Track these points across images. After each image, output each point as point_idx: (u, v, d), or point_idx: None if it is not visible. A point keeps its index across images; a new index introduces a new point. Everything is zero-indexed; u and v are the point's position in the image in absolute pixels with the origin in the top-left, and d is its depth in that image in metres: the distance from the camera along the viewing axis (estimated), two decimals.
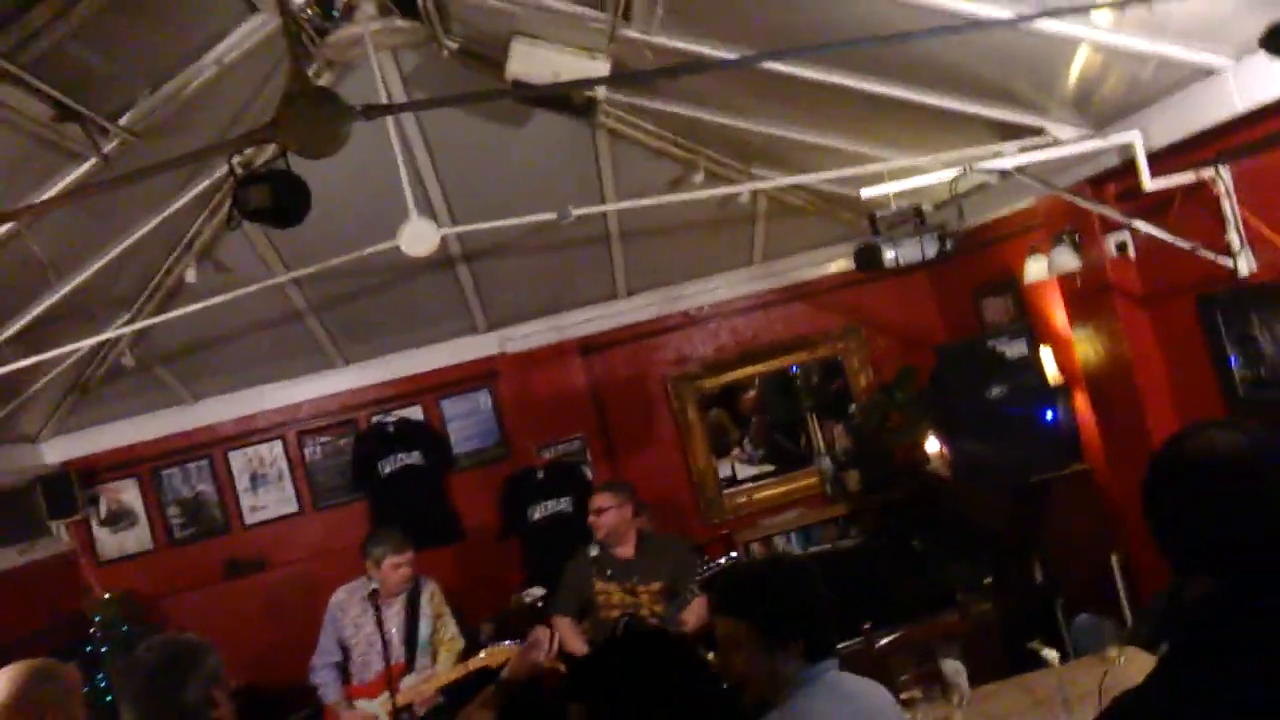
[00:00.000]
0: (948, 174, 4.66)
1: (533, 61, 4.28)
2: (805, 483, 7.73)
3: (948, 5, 3.56)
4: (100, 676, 6.14)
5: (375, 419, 7.34)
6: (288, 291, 6.28)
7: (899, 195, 4.75)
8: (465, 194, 5.87)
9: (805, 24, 4.23)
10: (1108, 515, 5.61)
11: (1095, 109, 4.43)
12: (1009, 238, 6.04)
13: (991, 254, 6.31)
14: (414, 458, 7.25)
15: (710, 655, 3.20)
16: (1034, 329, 5.90)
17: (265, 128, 3.31)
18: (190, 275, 5.80)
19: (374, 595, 5.23)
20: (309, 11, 4.17)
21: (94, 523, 7.23)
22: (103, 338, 5.66)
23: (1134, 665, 3.86)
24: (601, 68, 4.32)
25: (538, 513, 7.09)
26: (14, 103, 3.59)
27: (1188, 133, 4.12)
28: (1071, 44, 3.89)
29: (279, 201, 4.01)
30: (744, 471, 8.04)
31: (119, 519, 7.29)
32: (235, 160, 3.97)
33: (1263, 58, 3.35)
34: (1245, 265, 4.19)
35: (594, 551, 5.27)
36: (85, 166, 4.21)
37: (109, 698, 6.07)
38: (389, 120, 4.50)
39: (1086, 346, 5.45)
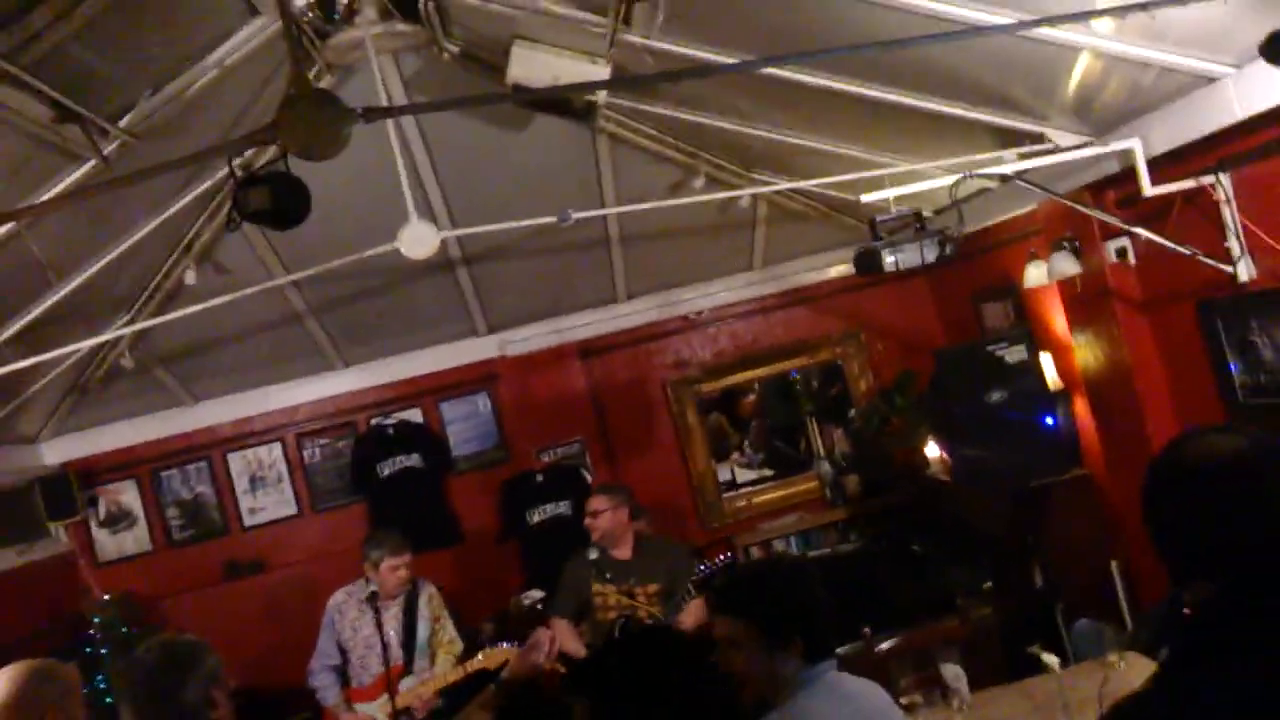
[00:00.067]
0: (948, 179, 4.67)
1: (533, 66, 4.28)
2: (805, 487, 7.73)
3: (948, 11, 3.57)
4: (99, 677, 6.14)
5: (374, 421, 7.34)
6: (287, 294, 6.28)
7: (899, 200, 4.75)
8: (465, 197, 5.87)
9: (806, 29, 4.23)
10: (1108, 520, 5.61)
11: (1096, 115, 4.44)
12: (1009, 243, 6.04)
13: (991, 259, 6.31)
14: (413, 460, 7.25)
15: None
16: (1034, 334, 5.90)
17: (265, 129, 3.30)
18: (190, 277, 5.79)
19: (373, 598, 5.23)
20: (310, 14, 4.17)
21: (93, 524, 7.23)
22: (102, 339, 5.66)
23: (1134, 670, 3.86)
24: (602, 72, 4.33)
25: (537, 516, 7.09)
26: (14, 104, 3.58)
27: (1188, 139, 4.13)
28: (1072, 51, 3.90)
29: (279, 203, 4.00)
30: (743, 475, 8.03)
31: (118, 520, 7.29)
32: (235, 162, 3.97)
33: (1263, 66, 3.36)
34: (1245, 271, 4.20)
35: (593, 554, 5.28)
36: (85, 168, 4.20)
37: (108, 699, 6.07)
38: (389, 123, 4.50)
39: (1086, 352, 5.45)
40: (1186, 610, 1.67)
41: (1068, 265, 5.16)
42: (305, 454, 7.41)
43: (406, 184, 4.40)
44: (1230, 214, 4.20)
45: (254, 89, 4.61)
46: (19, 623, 5.75)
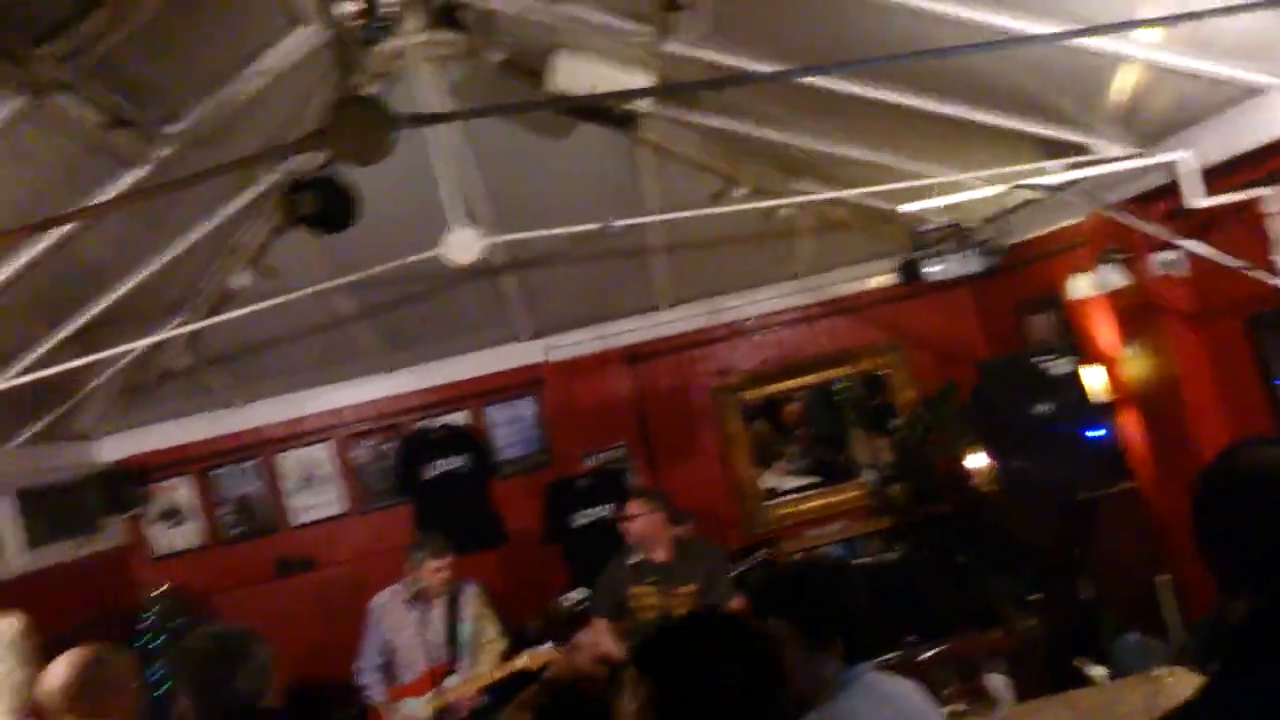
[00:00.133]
0: (992, 190, 4.64)
1: (575, 74, 4.33)
2: (848, 496, 7.69)
3: (990, 21, 3.56)
4: (152, 669, 6.25)
5: (420, 424, 7.43)
6: (335, 297, 6.37)
7: (942, 211, 4.74)
8: (508, 204, 5.93)
9: (848, 39, 4.23)
10: (1155, 534, 5.53)
11: (1142, 126, 4.39)
12: (1053, 255, 5.96)
13: (1036, 271, 6.23)
14: (457, 463, 7.30)
15: None
16: (1079, 346, 5.83)
17: (313, 135, 3.39)
18: (240, 280, 5.91)
19: (420, 595, 5.30)
20: (356, 23, 4.25)
21: (147, 520, 7.39)
22: (156, 339, 5.79)
23: (1183, 684, 3.80)
24: (642, 80, 4.36)
25: (580, 519, 7.11)
26: (69, 109, 3.69)
27: (1236, 151, 4.07)
28: (1118, 61, 3.87)
29: (328, 208, 4.11)
30: (787, 483, 8.00)
31: (172, 516, 7.45)
32: (284, 167, 4.07)
33: None
34: None
35: (635, 557, 5.34)
36: (138, 172, 4.32)
37: (160, 690, 6.20)
38: (434, 129, 4.57)
39: (1134, 365, 5.38)
40: (1236, 620, 1.66)
41: (1115, 278, 5.10)
42: (354, 455, 7.52)
43: (450, 190, 4.47)
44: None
45: (302, 96, 4.71)
46: (76, 614, 5.89)
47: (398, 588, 5.55)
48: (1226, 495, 1.71)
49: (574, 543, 7.08)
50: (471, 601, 5.61)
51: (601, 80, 4.31)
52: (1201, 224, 4.46)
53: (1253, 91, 3.79)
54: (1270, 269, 4.16)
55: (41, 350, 5.26)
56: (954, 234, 4.81)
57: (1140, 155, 4.40)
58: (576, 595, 6.61)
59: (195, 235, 5.36)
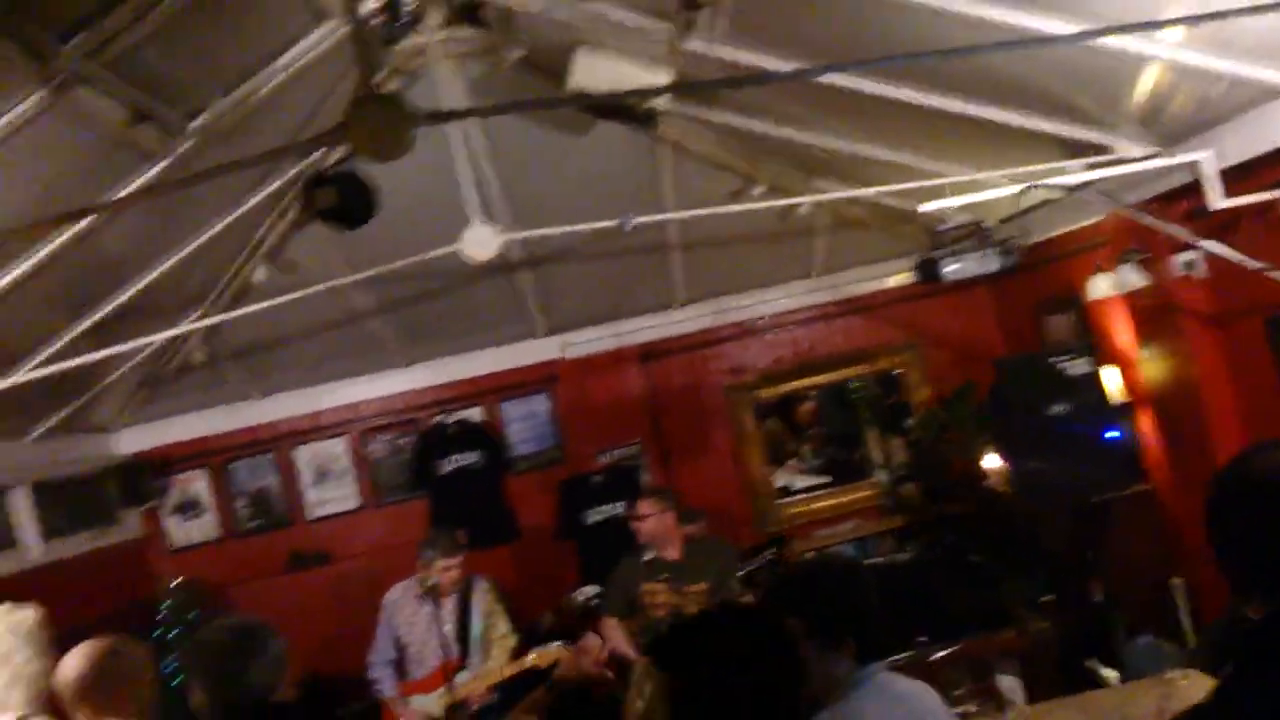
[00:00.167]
0: (1011, 189, 4.62)
1: (595, 72, 4.33)
2: (861, 495, 7.69)
3: (1011, 20, 3.55)
4: (168, 660, 6.29)
5: (436, 419, 7.45)
6: (352, 293, 6.39)
7: (961, 210, 4.72)
8: (526, 201, 5.94)
9: (868, 38, 4.22)
10: (1170, 536, 5.51)
11: (1164, 126, 4.37)
12: (1073, 255, 5.94)
13: (1054, 271, 6.21)
14: (472, 459, 7.33)
15: None
16: (1098, 347, 5.81)
17: (334, 131, 3.39)
18: (259, 274, 5.94)
19: (433, 590, 5.32)
20: (377, 20, 4.27)
21: (164, 512, 7.43)
22: (175, 333, 5.82)
23: (1196, 688, 3.80)
24: (662, 78, 4.36)
25: (593, 516, 7.12)
26: (92, 103, 3.71)
27: (1259, 152, 4.05)
28: (1139, 60, 3.85)
29: (346, 203, 4.13)
30: (799, 482, 8.00)
31: (188, 509, 7.49)
32: (304, 163, 4.08)
33: None
34: None
35: (647, 555, 5.37)
36: (159, 167, 4.34)
37: (176, 681, 6.23)
38: (453, 126, 4.58)
39: (1152, 366, 5.36)
40: (1248, 623, 1.65)
41: (1134, 278, 5.08)
42: (369, 449, 7.55)
43: (469, 187, 4.48)
44: None
45: (322, 92, 4.72)
46: (92, 605, 5.91)
47: (410, 583, 5.57)
48: (1241, 498, 1.71)
49: (587, 539, 7.09)
50: (483, 597, 5.63)
51: (621, 78, 4.31)
52: (1221, 225, 4.43)
53: (1274, 92, 3.77)
54: None
55: (61, 343, 5.29)
56: (973, 233, 4.79)
57: (1161, 155, 4.39)
58: (589, 591, 6.63)
59: (215, 230, 5.38)
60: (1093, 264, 5.49)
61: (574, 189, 5.98)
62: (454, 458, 7.29)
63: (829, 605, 2.75)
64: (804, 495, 7.85)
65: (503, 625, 5.66)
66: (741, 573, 5.32)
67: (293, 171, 5.11)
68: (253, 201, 5.39)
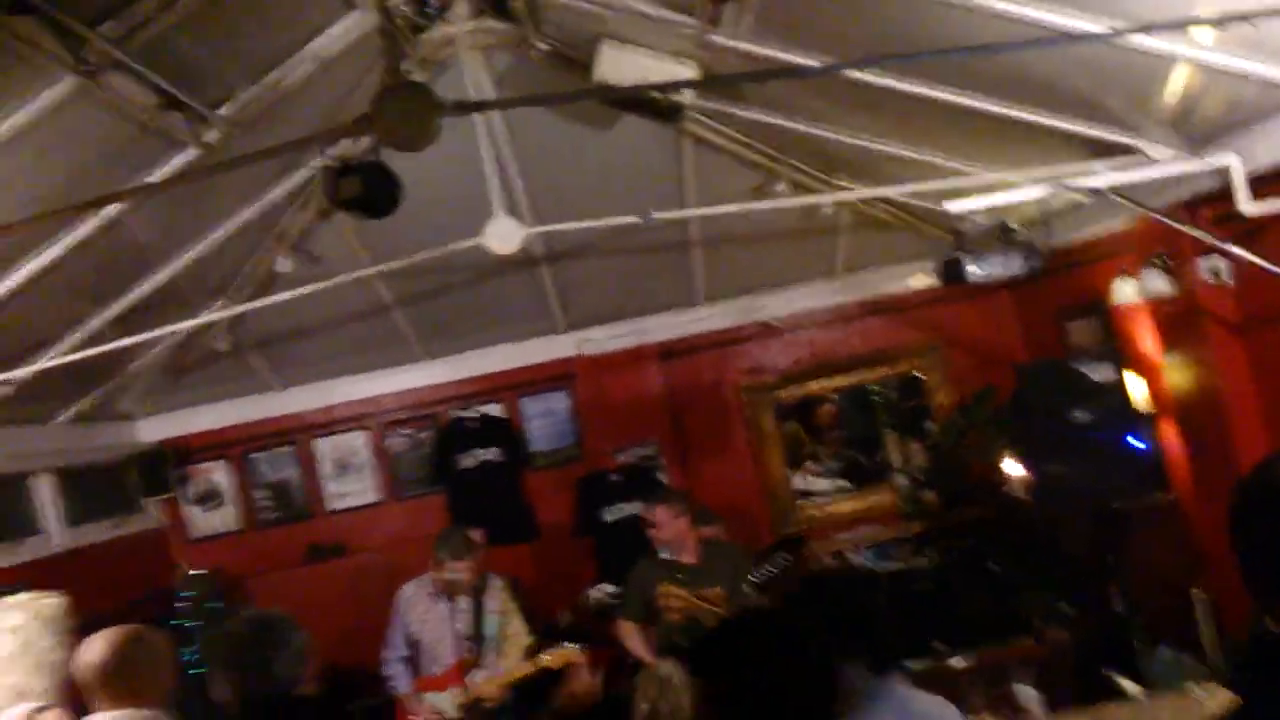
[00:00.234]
0: (1035, 190, 4.59)
1: (620, 65, 4.34)
2: (880, 499, 7.65)
3: (1039, 17, 3.53)
4: (187, 650, 6.33)
5: (455, 414, 7.46)
6: (375, 285, 6.43)
7: (985, 211, 4.70)
8: (549, 195, 5.95)
9: (894, 34, 4.21)
10: (1192, 547, 5.46)
11: (1193, 129, 4.33)
12: (1098, 259, 5.89)
13: (1078, 275, 6.15)
14: (491, 454, 7.34)
15: None
16: (1121, 353, 5.76)
17: (360, 120, 3.43)
18: (283, 265, 5.97)
19: (445, 588, 5.33)
20: (405, 9, 4.29)
21: (185, 501, 7.48)
22: (198, 322, 5.86)
23: (1215, 701, 3.77)
24: (688, 72, 4.36)
25: (610, 514, 7.12)
26: (121, 90, 3.74)
27: None
28: (1169, 61, 3.81)
29: (371, 192, 4.15)
30: (818, 484, 7.97)
31: (209, 499, 7.53)
32: (330, 152, 4.10)
33: None
34: None
35: (663, 556, 5.37)
36: (186, 154, 4.38)
37: (194, 670, 6.27)
38: (478, 118, 4.60)
39: (1176, 374, 5.31)
40: (1269, 636, 1.63)
41: (1159, 284, 5.04)
42: (389, 442, 7.57)
43: (492, 179, 4.49)
44: None
45: (349, 82, 4.75)
46: (112, 593, 5.95)
47: (424, 579, 5.59)
48: (1264, 507, 1.68)
49: (604, 537, 7.09)
50: (497, 595, 5.64)
51: (646, 72, 4.32)
52: (1249, 231, 4.39)
53: None
54: None
55: (87, 330, 5.34)
56: (997, 235, 4.77)
57: (1190, 158, 4.34)
58: (606, 589, 6.63)
59: (240, 220, 5.42)
60: (1117, 268, 5.44)
61: (596, 184, 5.98)
62: (475, 452, 7.31)
63: (842, 615, 2.74)
64: (822, 498, 7.82)
65: (517, 623, 5.67)
66: (754, 577, 5.30)
67: (318, 161, 5.13)
68: (277, 191, 5.44)
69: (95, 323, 5.37)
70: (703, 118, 5.70)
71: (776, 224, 6.56)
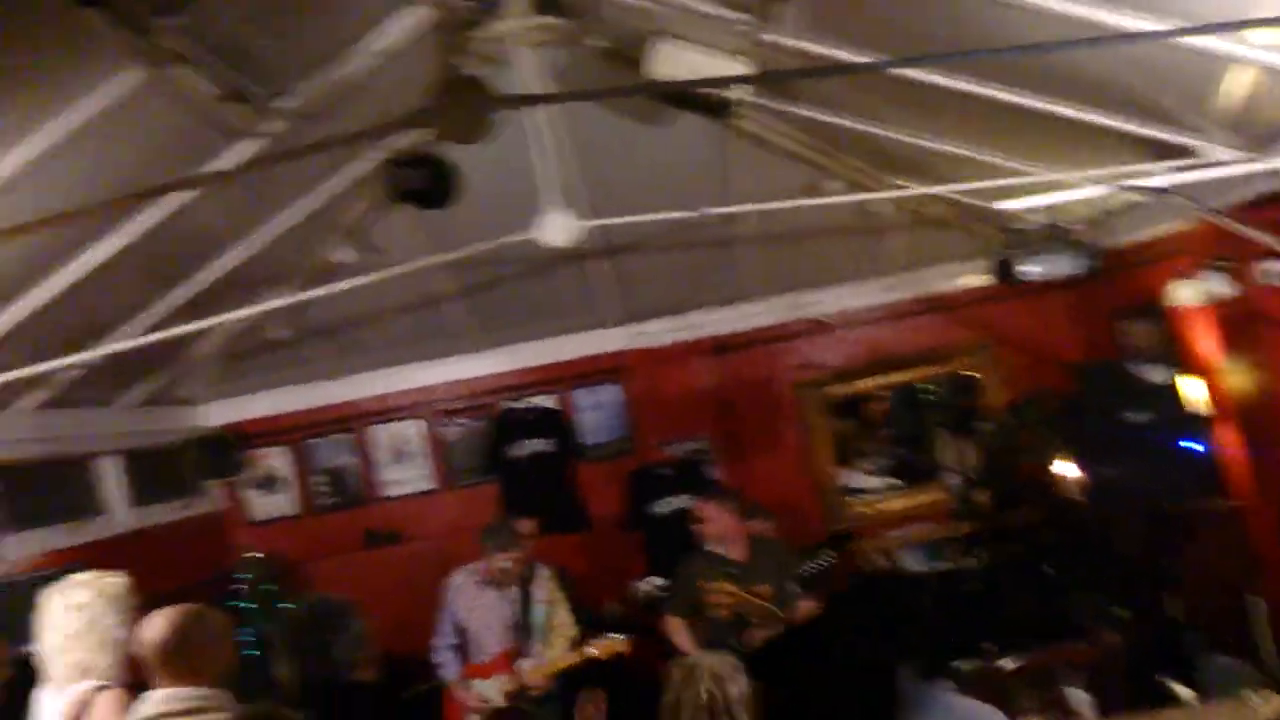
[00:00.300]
0: (1091, 190, 4.55)
1: (674, 61, 4.36)
2: (930, 498, 7.61)
3: (1096, 17, 3.49)
4: (244, 631, 6.46)
5: (509, 404, 7.55)
6: (433, 275, 6.51)
7: (1041, 210, 4.66)
8: (603, 189, 5.98)
9: (948, 32, 4.19)
10: (1250, 553, 5.37)
11: (1254, 129, 4.26)
12: (1155, 260, 5.80)
13: (1135, 276, 6.06)
14: (544, 445, 7.40)
15: None
16: (1179, 355, 5.67)
17: (418, 113, 3.49)
18: (343, 254, 6.08)
19: (499, 575, 5.39)
20: (463, 4, 4.36)
21: (245, 485, 7.64)
22: (262, 309, 5.98)
23: (1271, 708, 3.71)
24: (740, 69, 4.38)
25: (660, 508, 7.15)
26: (187, 81, 3.85)
27: None
28: (1229, 61, 3.76)
29: (430, 185, 4.23)
30: (868, 482, 7.94)
31: (269, 484, 7.69)
32: (388, 144, 4.18)
33: None
34: None
35: (712, 554, 5.39)
36: (249, 145, 4.49)
37: (250, 651, 6.40)
38: (532, 112, 4.65)
39: (1236, 377, 5.23)
40: None
41: (1219, 286, 4.97)
42: (444, 431, 7.67)
43: (547, 174, 4.55)
44: None
45: (406, 78, 4.82)
46: (173, 574, 6.09)
47: (473, 568, 5.66)
48: None
49: (654, 531, 7.13)
50: (545, 585, 5.69)
51: (699, 68, 4.34)
52: None
53: None
54: None
55: (152, 316, 5.49)
56: (1052, 234, 4.72)
57: (1253, 159, 4.27)
58: (655, 582, 6.67)
59: (301, 210, 5.53)
60: (1175, 270, 5.36)
61: (650, 179, 6.01)
62: (527, 442, 7.38)
63: (889, 619, 2.74)
64: (872, 496, 7.79)
65: (563, 614, 5.71)
66: (800, 573, 5.31)
67: (378, 154, 5.22)
68: (338, 182, 5.54)
69: (160, 308, 5.51)
70: (756, 115, 5.71)
71: (829, 221, 6.56)
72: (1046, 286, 6.06)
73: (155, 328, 5.34)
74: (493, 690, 5.49)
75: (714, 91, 4.60)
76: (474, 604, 5.62)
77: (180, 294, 5.55)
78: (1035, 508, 6.89)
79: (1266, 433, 5.05)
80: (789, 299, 7.40)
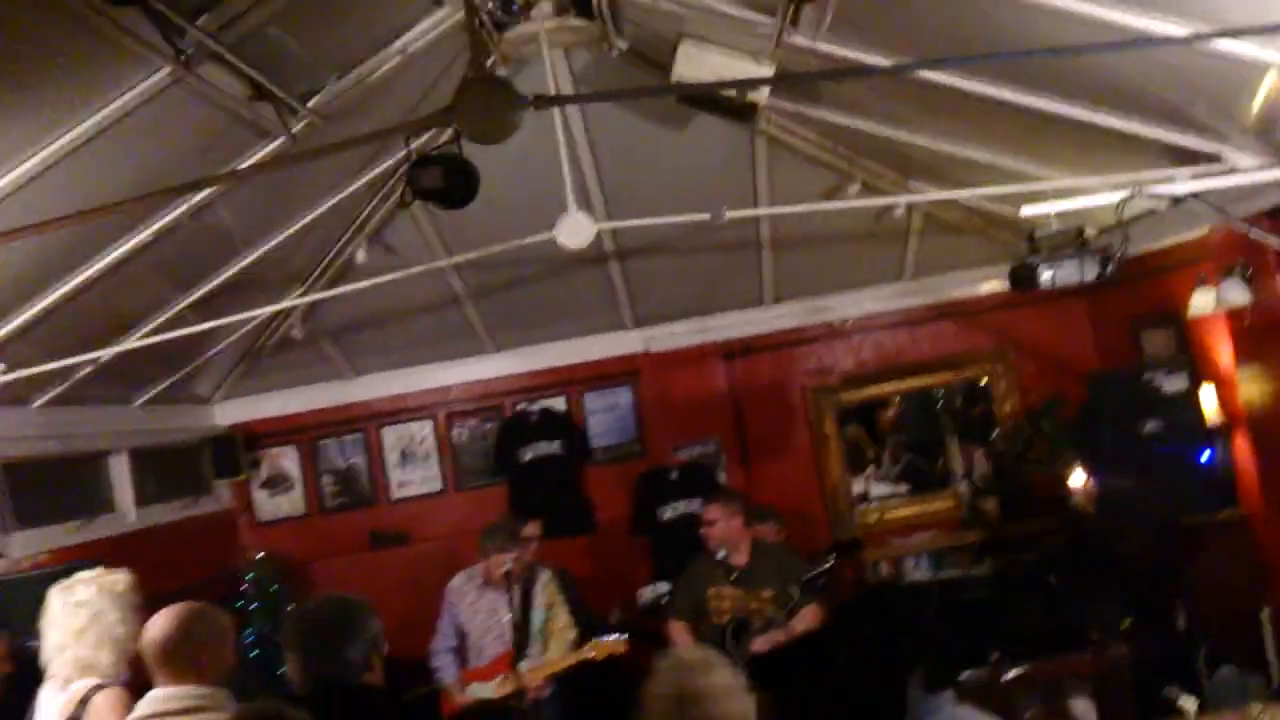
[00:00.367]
0: (1112, 197, 4.54)
1: (699, 64, 4.37)
2: (940, 506, 7.61)
3: (1119, 20, 3.49)
4: (248, 631, 6.44)
5: (520, 407, 7.55)
6: (448, 276, 6.53)
7: (1060, 216, 4.66)
8: (622, 192, 6.01)
9: (971, 35, 4.20)
10: (1261, 566, 5.37)
11: (1278, 137, 4.25)
12: (1174, 268, 5.80)
13: (1155, 284, 6.07)
14: (553, 448, 7.41)
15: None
16: (1196, 365, 5.67)
17: (442, 112, 3.49)
18: (360, 255, 6.09)
19: (499, 577, 5.38)
20: (490, 5, 4.36)
21: (255, 485, 7.64)
22: (277, 308, 5.99)
23: None
24: (765, 72, 4.38)
25: (669, 512, 7.15)
26: (216, 80, 3.86)
27: None
28: (1255, 68, 3.76)
29: (449, 183, 4.22)
30: (877, 489, 7.95)
31: (277, 483, 7.69)
32: (410, 146, 4.18)
33: None
34: None
35: (717, 556, 5.38)
36: (274, 144, 4.49)
37: (254, 652, 6.39)
38: (555, 114, 4.66)
39: (1252, 387, 5.22)
40: None
41: (1238, 294, 4.96)
42: (454, 433, 7.68)
43: (568, 175, 4.55)
44: None
45: (433, 77, 4.84)
46: (180, 572, 6.08)
47: (473, 571, 5.65)
48: None
49: (661, 535, 7.13)
50: (545, 588, 5.68)
51: (724, 70, 4.34)
52: None
53: None
54: None
55: (170, 313, 5.49)
56: (1071, 241, 4.71)
57: (1276, 167, 4.27)
58: (661, 588, 6.66)
59: (320, 210, 5.53)
60: (1195, 278, 5.36)
61: (669, 182, 6.03)
62: (537, 445, 7.39)
63: (894, 629, 2.74)
64: (882, 502, 7.79)
65: (563, 617, 5.70)
66: (804, 579, 5.31)
67: (398, 154, 5.23)
68: (358, 183, 5.54)
69: (177, 306, 5.51)
70: (778, 118, 5.72)
71: (847, 226, 6.56)
72: (1063, 294, 6.06)
73: (171, 325, 5.34)
74: (489, 692, 5.47)
75: (738, 94, 4.60)
76: (475, 606, 5.61)
77: (198, 292, 5.54)
78: (1045, 518, 6.90)
79: (1278, 443, 5.05)
80: (805, 304, 7.40)
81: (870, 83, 4.88)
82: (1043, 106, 4.45)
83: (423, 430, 7.65)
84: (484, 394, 7.63)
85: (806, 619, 5.18)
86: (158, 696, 3.13)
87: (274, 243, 5.57)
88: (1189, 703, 4.71)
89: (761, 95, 4.69)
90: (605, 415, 7.62)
